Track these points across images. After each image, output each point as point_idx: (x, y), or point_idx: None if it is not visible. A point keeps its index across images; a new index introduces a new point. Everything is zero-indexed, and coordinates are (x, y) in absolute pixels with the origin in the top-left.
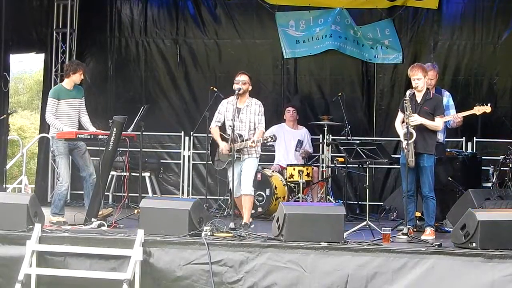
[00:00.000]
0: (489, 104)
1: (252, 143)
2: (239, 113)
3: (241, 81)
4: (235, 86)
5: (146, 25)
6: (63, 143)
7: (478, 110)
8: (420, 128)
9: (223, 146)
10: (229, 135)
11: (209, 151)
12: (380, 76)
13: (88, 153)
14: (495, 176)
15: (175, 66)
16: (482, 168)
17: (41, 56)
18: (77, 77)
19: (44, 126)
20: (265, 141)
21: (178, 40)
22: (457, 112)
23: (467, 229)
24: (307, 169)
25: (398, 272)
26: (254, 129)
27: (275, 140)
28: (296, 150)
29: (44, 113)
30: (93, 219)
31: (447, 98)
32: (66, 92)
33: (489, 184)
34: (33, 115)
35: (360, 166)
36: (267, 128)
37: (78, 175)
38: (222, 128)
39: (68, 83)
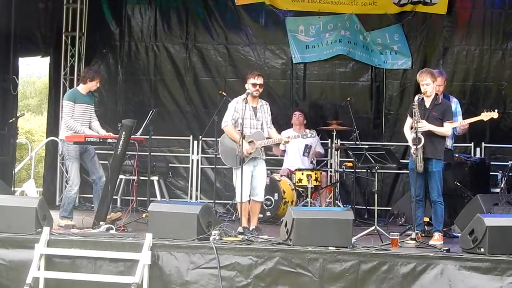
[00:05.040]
0: (496, 110)
1: (287, 138)
2: (256, 112)
3: (259, 84)
4: (253, 91)
5: (156, 29)
6: (74, 147)
7: (485, 116)
8: (429, 133)
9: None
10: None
11: (217, 153)
12: (389, 81)
13: (97, 156)
14: (503, 182)
15: (185, 71)
16: (491, 173)
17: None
18: (93, 85)
19: (51, 129)
20: (304, 136)
21: (187, 44)
22: (464, 119)
23: (476, 235)
24: (315, 173)
25: (406, 277)
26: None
27: (314, 136)
28: (304, 155)
29: (52, 116)
30: (101, 223)
31: (455, 105)
32: (81, 97)
33: (498, 190)
34: (41, 119)
35: (369, 171)
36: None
37: (86, 178)
38: None
39: (83, 88)
